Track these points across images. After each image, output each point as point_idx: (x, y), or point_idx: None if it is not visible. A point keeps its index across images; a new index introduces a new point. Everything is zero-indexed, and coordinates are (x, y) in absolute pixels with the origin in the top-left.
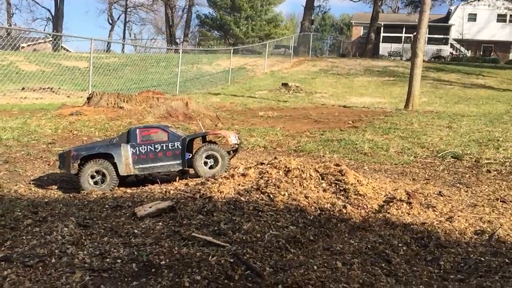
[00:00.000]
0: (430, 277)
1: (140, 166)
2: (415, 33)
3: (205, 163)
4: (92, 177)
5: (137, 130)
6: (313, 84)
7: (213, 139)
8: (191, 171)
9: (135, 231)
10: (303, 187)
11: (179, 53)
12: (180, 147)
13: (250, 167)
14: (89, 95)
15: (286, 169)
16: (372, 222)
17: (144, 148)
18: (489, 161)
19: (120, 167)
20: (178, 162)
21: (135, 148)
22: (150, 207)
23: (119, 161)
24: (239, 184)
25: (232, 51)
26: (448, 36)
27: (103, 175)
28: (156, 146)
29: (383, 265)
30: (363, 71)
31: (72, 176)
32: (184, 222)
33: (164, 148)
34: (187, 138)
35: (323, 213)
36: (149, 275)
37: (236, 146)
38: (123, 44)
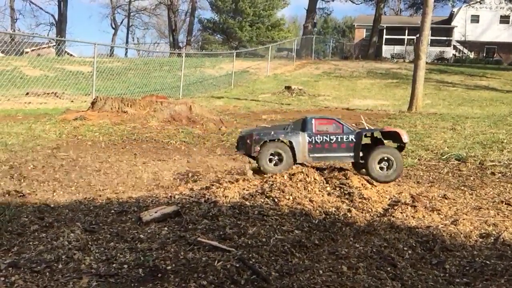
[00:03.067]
0: (436, 281)
1: (315, 155)
2: (417, 35)
3: (379, 165)
4: (270, 160)
5: (313, 120)
6: (316, 87)
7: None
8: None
9: (141, 236)
10: (308, 191)
11: (182, 57)
12: (355, 141)
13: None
14: (93, 99)
15: (291, 173)
16: (377, 226)
17: (320, 138)
18: (494, 163)
19: (297, 154)
20: (351, 154)
21: (311, 137)
22: (156, 212)
23: (297, 149)
24: (243, 189)
25: (235, 54)
26: (451, 38)
27: (280, 157)
28: (331, 137)
29: (389, 269)
30: (366, 74)
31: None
32: (189, 227)
33: (339, 140)
34: (363, 132)
35: (328, 217)
36: (156, 280)
37: (405, 145)
38: (126, 49)
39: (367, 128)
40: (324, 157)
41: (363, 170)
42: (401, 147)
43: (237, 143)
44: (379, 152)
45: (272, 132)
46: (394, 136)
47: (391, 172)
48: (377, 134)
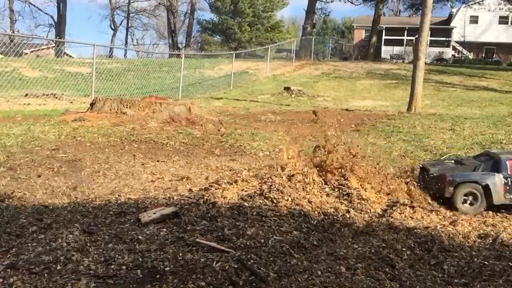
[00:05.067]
0: (434, 281)
1: (511, 196)
2: (417, 36)
3: None
4: (464, 200)
5: (508, 161)
6: (315, 88)
7: None
8: None
9: (140, 237)
10: (307, 192)
11: (181, 57)
12: None
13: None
14: (92, 101)
15: (289, 174)
16: (375, 227)
17: None
18: None
19: (494, 196)
20: None
21: (507, 178)
22: (154, 213)
23: (494, 190)
24: (242, 190)
25: (234, 55)
26: (450, 39)
27: (475, 197)
28: None
29: (387, 269)
30: (365, 74)
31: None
32: (188, 228)
33: None
34: None
35: (326, 217)
36: (154, 282)
37: None
38: (126, 50)
39: None
40: None
41: None
42: None
43: (423, 180)
44: None
45: (465, 174)
46: None
47: None
48: None
